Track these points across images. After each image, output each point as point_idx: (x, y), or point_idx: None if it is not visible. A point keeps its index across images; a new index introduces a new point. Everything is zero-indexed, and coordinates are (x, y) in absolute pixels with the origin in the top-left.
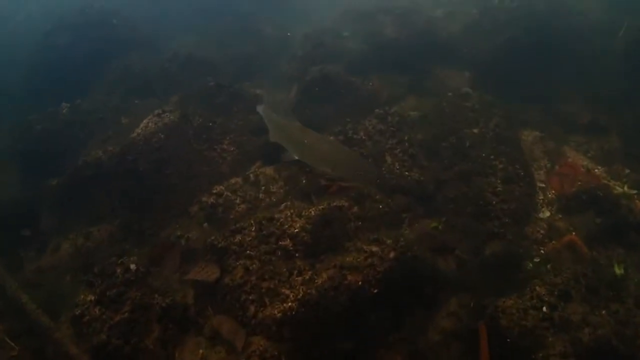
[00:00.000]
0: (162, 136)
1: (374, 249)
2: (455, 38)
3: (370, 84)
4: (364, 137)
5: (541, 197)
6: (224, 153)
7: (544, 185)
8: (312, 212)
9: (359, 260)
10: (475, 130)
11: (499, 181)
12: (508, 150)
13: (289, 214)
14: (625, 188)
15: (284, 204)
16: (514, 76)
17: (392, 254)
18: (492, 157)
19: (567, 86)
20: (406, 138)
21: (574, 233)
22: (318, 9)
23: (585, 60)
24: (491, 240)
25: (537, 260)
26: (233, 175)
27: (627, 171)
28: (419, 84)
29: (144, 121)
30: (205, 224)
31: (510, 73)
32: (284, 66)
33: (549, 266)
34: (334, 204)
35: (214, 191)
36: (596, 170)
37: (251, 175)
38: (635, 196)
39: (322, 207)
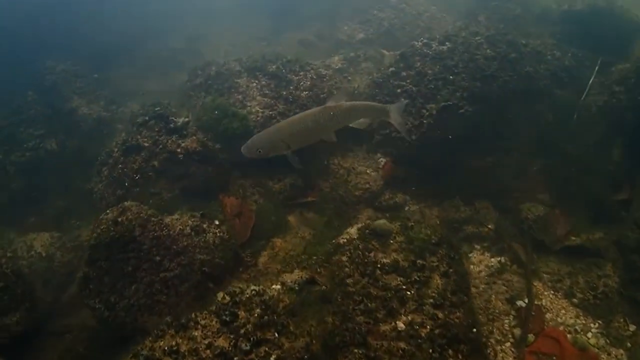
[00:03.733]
0: None
1: None
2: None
3: (216, 222)
4: None
5: None
6: None
7: None
8: None
9: None
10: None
11: None
12: None
13: None
14: None
15: None
16: (452, 161)
17: None
18: None
19: (530, 174)
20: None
21: None
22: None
23: (552, 130)
24: None
25: None
26: None
27: (633, 328)
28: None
29: None
30: None
31: (446, 157)
32: (96, 182)
33: None
34: None
35: None
36: (589, 334)
37: None
38: None
39: None
